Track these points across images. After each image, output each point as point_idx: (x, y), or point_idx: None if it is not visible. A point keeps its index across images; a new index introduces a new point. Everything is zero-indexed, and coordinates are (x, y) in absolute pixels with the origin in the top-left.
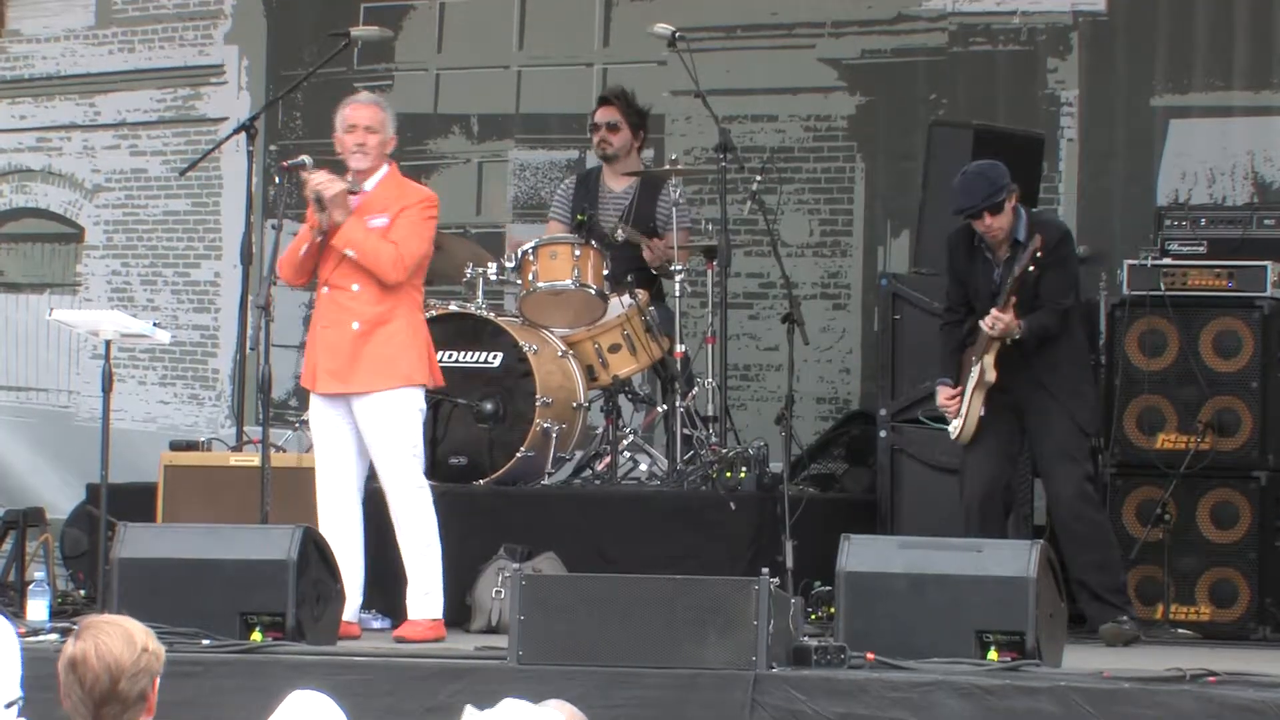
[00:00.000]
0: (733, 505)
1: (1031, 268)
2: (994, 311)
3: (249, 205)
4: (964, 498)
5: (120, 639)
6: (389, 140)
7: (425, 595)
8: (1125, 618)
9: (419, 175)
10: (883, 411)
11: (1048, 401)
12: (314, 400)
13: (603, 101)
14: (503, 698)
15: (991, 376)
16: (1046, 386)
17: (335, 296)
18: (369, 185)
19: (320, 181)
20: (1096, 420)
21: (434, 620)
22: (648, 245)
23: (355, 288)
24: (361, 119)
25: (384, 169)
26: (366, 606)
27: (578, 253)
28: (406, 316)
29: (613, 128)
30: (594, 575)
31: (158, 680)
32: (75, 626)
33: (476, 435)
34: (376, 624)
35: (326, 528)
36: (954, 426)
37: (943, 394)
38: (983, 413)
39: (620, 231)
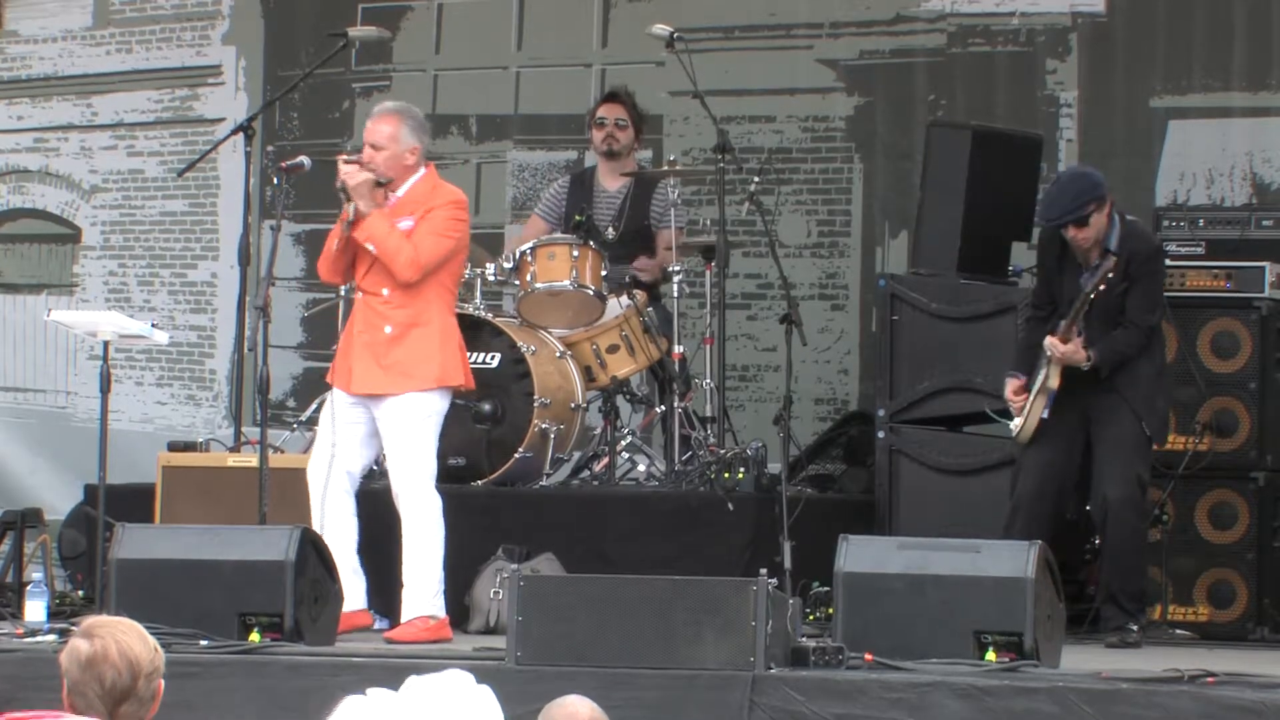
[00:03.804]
0: (731, 506)
1: (1102, 286)
2: (1051, 339)
3: (246, 206)
4: (1014, 494)
5: (136, 638)
6: (404, 153)
7: (420, 596)
8: (1135, 628)
9: None
10: (881, 412)
11: (1118, 404)
12: (338, 394)
13: (611, 98)
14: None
15: (1054, 383)
16: (1120, 392)
17: (369, 302)
18: (400, 192)
19: (347, 171)
20: (1163, 433)
21: (428, 623)
22: (639, 269)
23: (385, 292)
24: (370, 136)
25: (419, 173)
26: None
27: (576, 253)
28: (439, 319)
29: (621, 125)
30: (592, 576)
31: (163, 681)
32: (74, 627)
33: (474, 436)
34: (376, 624)
35: (320, 517)
36: (1015, 424)
37: (1010, 387)
38: (1045, 415)
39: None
